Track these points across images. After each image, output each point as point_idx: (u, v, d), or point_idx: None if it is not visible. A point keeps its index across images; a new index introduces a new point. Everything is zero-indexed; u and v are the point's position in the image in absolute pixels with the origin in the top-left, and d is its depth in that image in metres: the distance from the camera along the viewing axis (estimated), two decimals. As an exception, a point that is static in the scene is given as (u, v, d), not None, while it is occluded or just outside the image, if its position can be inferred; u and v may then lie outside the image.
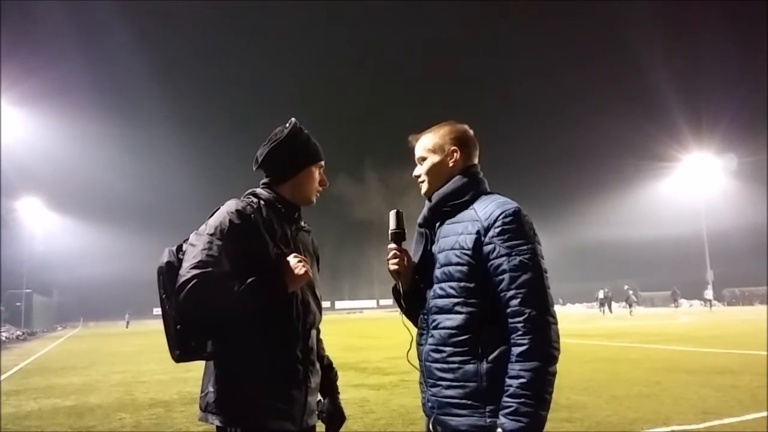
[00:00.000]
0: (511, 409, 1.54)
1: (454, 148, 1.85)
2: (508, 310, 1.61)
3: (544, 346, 1.58)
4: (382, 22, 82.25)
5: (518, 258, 1.62)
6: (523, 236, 1.65)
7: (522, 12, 74.92)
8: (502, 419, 1.55)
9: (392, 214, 1.92)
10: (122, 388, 9.05)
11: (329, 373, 2.14)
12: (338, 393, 2.17)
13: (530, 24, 77.58)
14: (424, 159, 1.90)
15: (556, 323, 1.62)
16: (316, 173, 2.05)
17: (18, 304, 47.89)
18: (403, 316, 1.94)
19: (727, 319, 25.38)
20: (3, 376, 11.89)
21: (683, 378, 8.04)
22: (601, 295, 41.46)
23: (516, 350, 1.58)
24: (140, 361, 14.02)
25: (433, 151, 1.88)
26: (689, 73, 63.17)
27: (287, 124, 2.03)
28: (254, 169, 2.04)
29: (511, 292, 1.60)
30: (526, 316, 1.58)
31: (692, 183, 56.95)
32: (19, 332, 36.56)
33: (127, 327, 44.93)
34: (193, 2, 73.59)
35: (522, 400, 1.54)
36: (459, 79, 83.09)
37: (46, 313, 56.81)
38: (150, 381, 9.83)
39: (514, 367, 1.57)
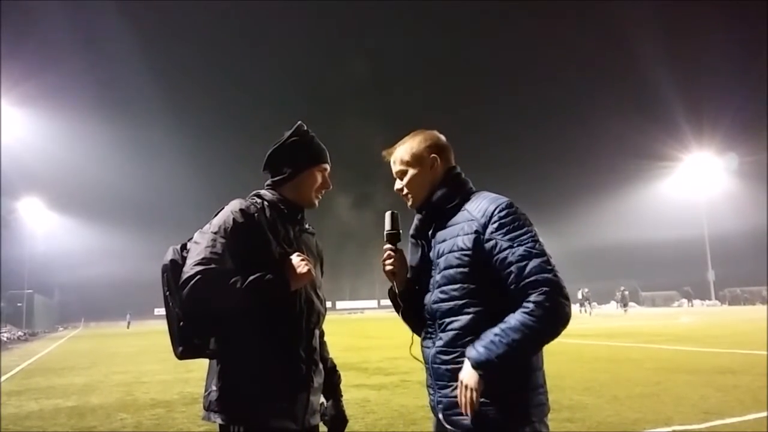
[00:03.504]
0: (483, 340, 1.59)
1: (434, 155, 1.85)
2: (521, 298, 1.60)
3: (550, 318, 1.56)
4: (383, 22, 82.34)
5: (522, 248, 1.62)
6: (521, 226, 1.66)
7: (523, 12, 74.93)
8: (470, 347, 1.60)
9: (387, 215, 1.93)
10: (123, 389, 9.04)
11: (333, 375, 2.15)
12: (341, 396, 2.17)
13: (531, 24, 77.66)
14: (404, 173, 1.89)
15: (569, 305, 1.60)
16: (318, 176, 2.05)
17: (19, 304, 47.97)
18: (400, 314, 1.96)
19: (728, 319, 25.35)
20: (4, 377, 11.90)
21: (684, 378, 8.03)
22: (579, 295, 41.86)
23: (520, 308, 1.58)
24: (141, 361, 14.02)
25: (412, 163, 1.87)
26: (690, 73, 63.29)
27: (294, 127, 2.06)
28: (262, 170, 2.07)
29: (522, 282, 1.60)
30: (540, 290, 1.57)
31: (693, 183, 56.98)
32: (20, 333, 36.62)
33: (128, 327, 44.93)
34: (194, 3, 73.63)
35: (497, 339, 1.56)
36: (460, 79, 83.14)
37: (48, 313, 56.86)
38: (151, 381, 9.83)
39: (512, 315, 1.58)
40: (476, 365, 1.57)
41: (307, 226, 2.09)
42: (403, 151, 1.89)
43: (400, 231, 1.92)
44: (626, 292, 42.89)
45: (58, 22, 65.11)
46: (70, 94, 62.56)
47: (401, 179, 1.90)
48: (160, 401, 7.61)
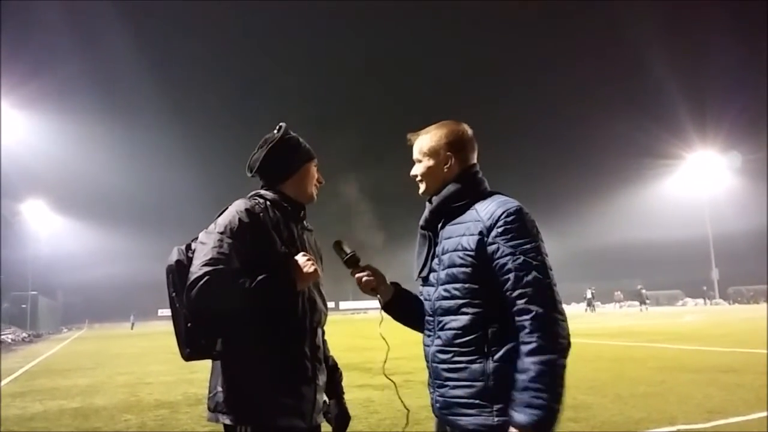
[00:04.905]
0: (522, 402, 1.53)
1: (449, 153, 1.84)
2: (515, 309, 1.60)
3: (552, 342, 1.56)
4: (383, 22, 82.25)
5: (522, 257, 1.61)
6: (527, 234, 1.64)
7: (523, 11, 74.83)
8: (513, 414, 1.53)
9: (333, 247, 1.99)
10: (127, 390, 9.07)
11: (334, 373, 2.15)
12: (343, 394, 2.18)
13: (532, 23, 77.57)
14: (420, 161, 1.90)
15: (564, 320, 1.61)
16: (314, 170, 2.10)
17: (23, 306, 48.02)
18: (380, 327, 1.97)
19: (731, 318, 25.28)
20: (9, 378, 11.93)
21: (688, 377, 8.02)
22: (588, 294, 42.27)
23: (524, 348, 1.57)
24: (145, 362, 14.05)
25: (428, 154, 1.87)
26: (693, 71, 63.13)
27: (276, 129, 2.08)
28: (250, 175, 2.07)
29: (518, 292, 1.60)
30: (533, 314, 1.57)
31: (696, 181, 56.81)
32: (24, 334, 36.69)
33: (132, 328, 44.99)
34: (194, 3, 73.72)
35: (533, 393, 1.52)
36: (460, 79, 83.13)
37: (51, 315, 56.92)
38: (155, 382, 9.85)
39: (523, 362, 1.56)
40: (535, 429, 1.52)
41: (305, 223, 2.11)
42: (423, 141, 1.90)
43: (354, 252, 1.97)
44: (643, 291, 43.30)
45: (59, 24, 65.25)
46: (72, 96, 62.71)
47: (418, 165, 1.92)
48: (164, 402, 7.63)
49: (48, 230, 60.46)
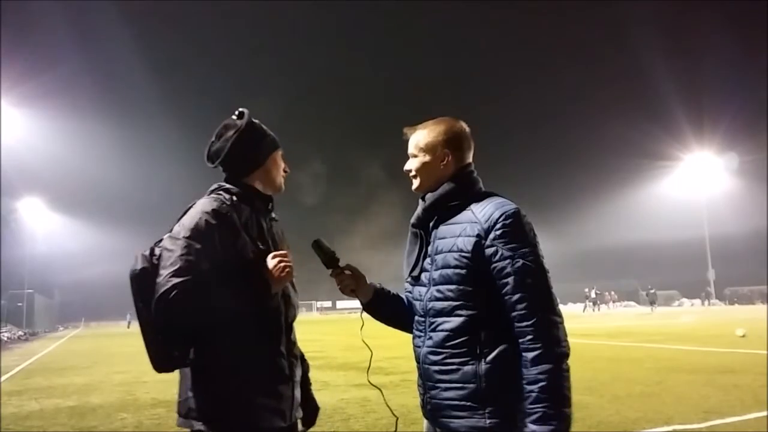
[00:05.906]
0: (538, 414, 1.53)
1: (446, 150, 1.81)
2: (514, 314, 1.60)
3: (555, 347, 1.57)
4: (382, 21, 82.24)
5: (521, 261, 1.60)
6: (525, 238, 1.63)
7: (523, 11, 74.87)
8: (531, 426, 1.54)
9: (313, 246, 1.93)
10: (124, 388, 9.05)
11: (302, 365, 2.09)
12: (310, 384, 2.13)
13: (531, 23, 77.57)
14: (415, 156, 1.86)
15: (562, 322, 1.62)
16: (280, 159, 2.03)
17: (20, 304, 47.95)
18: (361, 332, 1.96)
19: (728, 319, 25.34)
20: (5, 377, 11.91)
21: (685, 377, 8.04)
22: (593, 294, 42.55)
23: (529, 355, 1.57)
24: (142, 361, 13.86)
25: (425, 150, 1.83)
26: (690, 72, 63.25)
27: (235, 115, 1.98)
28: (212, 166, 1.96)
29: (517, 296, 1.59)
30: (534, 320, 1.57)
31: (694, 182, 56.99)
32: (20, 332, 36.65)
33: (128, 327, 44.81)
34: (193, 2, 73.62)
35: (546, 404, 1.53)
36: (458, 79, 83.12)
37: (48, 313, 56.85)
38: (151, 381, 9.81)
39: (530, 372, 1.56)
40: None
41: (273, 214, 2.03)
42: (419, 136, 1.86)
43: (334, 251, 1.93)
44: (652, 291, 43.48)
45: (58, 22, 65.02)
46: (71, 94, 62.45)
47: (413, 160, 1.88)
48: (161, 401, 7.62)
49: (45, 228, 60.36)
